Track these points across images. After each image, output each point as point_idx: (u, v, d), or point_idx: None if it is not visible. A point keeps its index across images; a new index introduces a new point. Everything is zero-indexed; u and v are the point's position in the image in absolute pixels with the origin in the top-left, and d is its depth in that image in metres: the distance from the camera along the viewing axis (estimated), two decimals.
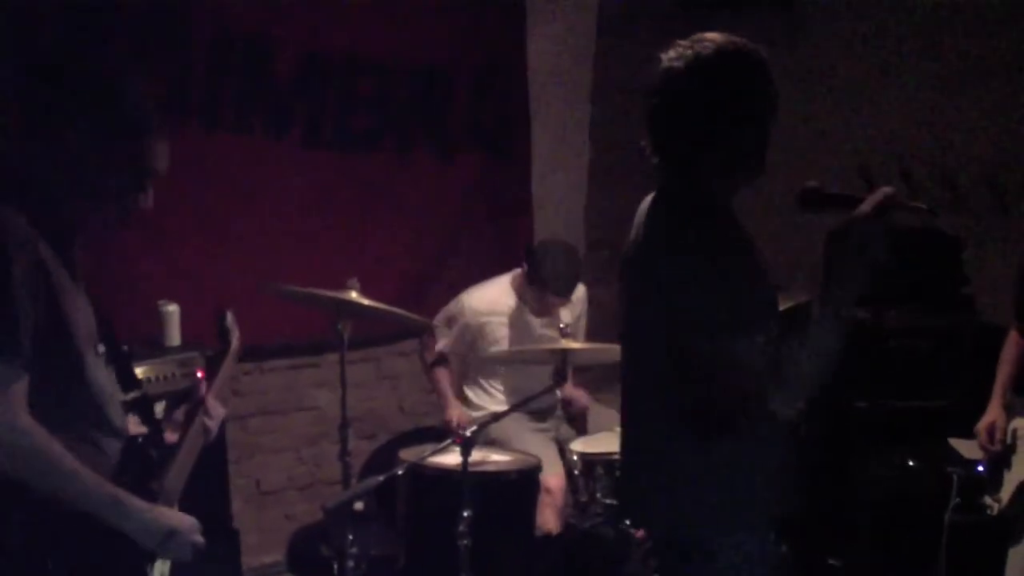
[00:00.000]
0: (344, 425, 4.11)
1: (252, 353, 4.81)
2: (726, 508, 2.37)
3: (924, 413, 4.52)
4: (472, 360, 4.85)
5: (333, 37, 5.12)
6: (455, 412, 4.68)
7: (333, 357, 4.25)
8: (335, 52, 5.15)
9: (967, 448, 4.05)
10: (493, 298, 4.78)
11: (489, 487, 3.96)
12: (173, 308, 4.43)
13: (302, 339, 5.01)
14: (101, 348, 2.35)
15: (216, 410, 2.63)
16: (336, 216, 5.17)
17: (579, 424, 4.91)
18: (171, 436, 2.60)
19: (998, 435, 3.90)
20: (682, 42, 2.36)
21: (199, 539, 2.39)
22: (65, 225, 2.29)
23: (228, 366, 2.81)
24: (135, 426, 2.50)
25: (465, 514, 3.71)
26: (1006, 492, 3.87)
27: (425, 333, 4.85)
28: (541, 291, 4.63)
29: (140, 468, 2.36)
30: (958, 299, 4.81)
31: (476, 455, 3.87)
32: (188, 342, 4.40)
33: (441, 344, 4.79)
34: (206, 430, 2.60)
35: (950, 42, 5.07)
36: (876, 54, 5.29)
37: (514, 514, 4.10)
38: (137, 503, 2.26)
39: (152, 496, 2.34)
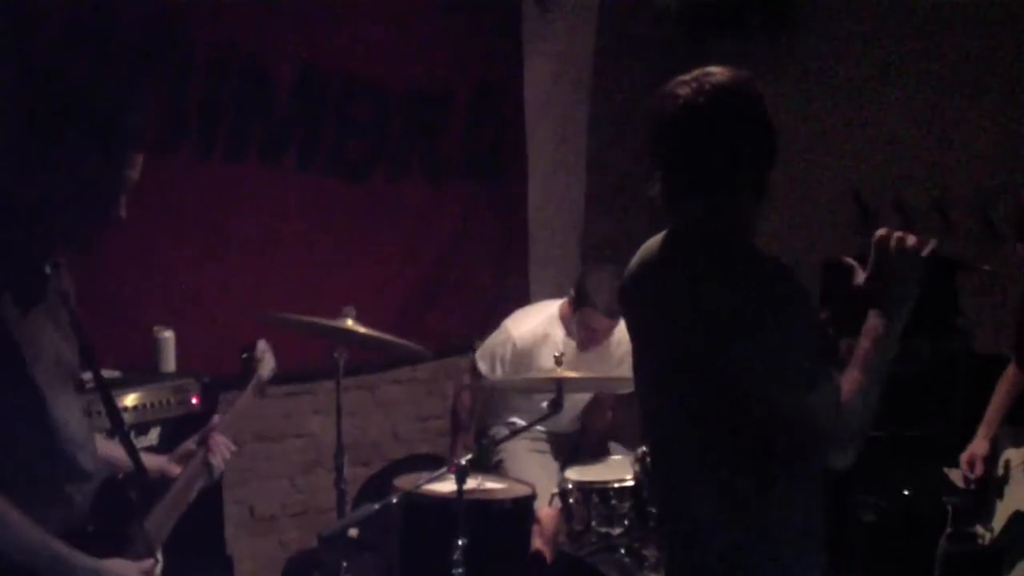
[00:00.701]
0: (339, 452, 4.08)
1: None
2: (785, 541, 2.33)
3: (918, 441, 4.56)
4: (502, 399, 4.81)
5: (329, 59, 5.11)
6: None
7: (328, 384, 4.24)
8: (331, 77, 5.15)
9: (961, 477, 4.06)
10: (540, 329, 4.72)
11: (484, 515, 3.94)
12: (168, 334, 4.42)
13: (297, 366, 4.75)
14: (87, 376, 2.28)
15: (223, 449, 2.55)
16: (332, 242, 5.15)
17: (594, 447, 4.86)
18: (174, 468, 2.55)
19: (978, 467, 3.93)
20: (690, 76, 2.33)
21: None
22: (35, 245, 2.22)
23: (247, 400, 2.73)
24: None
25: (460, 542, 3.69)
26: (998, 522, 3.88)
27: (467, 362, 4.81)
28: (588, 316, 4.53)
29: (116, 511, 2.26)
30: (952, 326, 4.82)
31: (471, 483, 3.84)
32: (183, 368, 4.38)
33: (486, 371, 4.68)
34: (209, 467, 2.53)
35: (950, 42, 5.08)
36: (876, 55, 5.30)
37: (509, 542, 4.08)
38: (81, 560, 2.15)
39: (125, 542, 2.24)
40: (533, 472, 4.49)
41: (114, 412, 2.39)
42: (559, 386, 4.08)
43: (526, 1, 5.90)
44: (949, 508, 4.09)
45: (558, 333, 4.71)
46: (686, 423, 2.35)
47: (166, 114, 4.61)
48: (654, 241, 2.41)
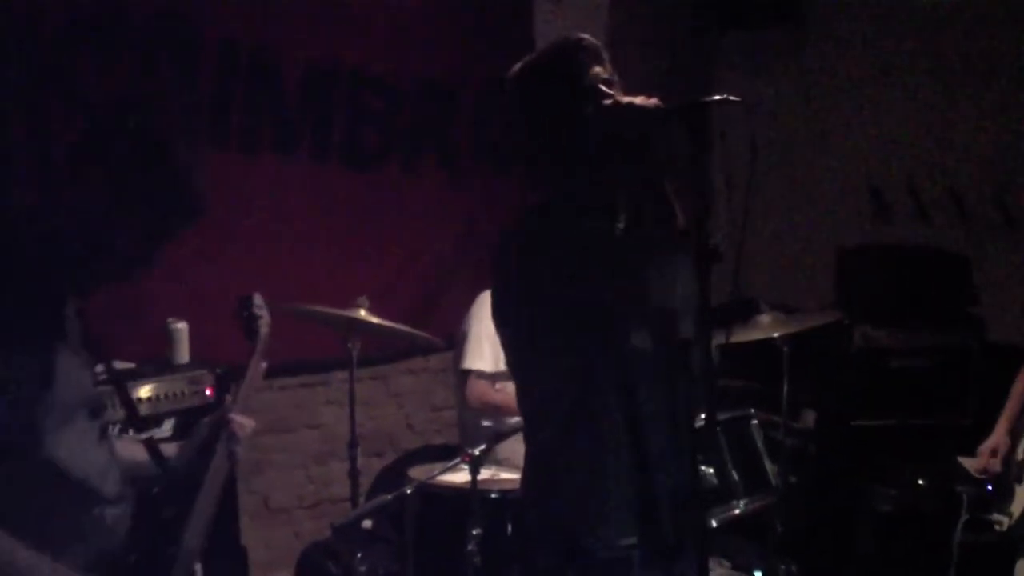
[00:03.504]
0: (353, 443, 4.10)
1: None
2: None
3: (932, 431, 4.56)
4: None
5: (340, 53, 5.13)
6: None
7: (342, 375, 4.25)
8: (342, 68, 5.16)
9: (975, 466, 4.06)
10: None
11: (498, 505, 3.91)
12: (182, 326, 4.43)
13: (311, 357, 4.98)
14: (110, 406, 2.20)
15: (243, 428, 2.47)
16: (345, 233, 5.17)
17: None
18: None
19: (1000, 460, 3.92)
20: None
21: None
22: (59, 287, 2.17)
23: (256, 366, 2.60)
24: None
25: (474, 533, 3.68)
26: (1017, 507, 3.87)
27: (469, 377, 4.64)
28: None
29: (153, 533, 2.20)
30: (964, 317, 4.81)
31: (485, 473, 3.86)
32: (197, 359, 4.40)
33: (490, 365, 4.56)
34: (231, 455, 2.45)
35: (950, 42, 5.09)
36: (876, 55, 5.31)
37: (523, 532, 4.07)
38: None
39: (168, 563, 2.19)
40: None
41: (134, 412, 2.37)
42: None
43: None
44: (964, 498, 4.08)
45: None
46: None
47: (178, 107, 4.63)
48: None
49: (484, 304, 4.59)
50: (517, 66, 2.54)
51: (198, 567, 2.29)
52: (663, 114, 2.26)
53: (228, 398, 2.52)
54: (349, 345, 4.07)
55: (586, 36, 2.51)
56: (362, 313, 4.05)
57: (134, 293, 4.30)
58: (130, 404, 2.39)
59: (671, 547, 2.45)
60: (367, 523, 4.07)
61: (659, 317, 2.44)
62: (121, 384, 2.39)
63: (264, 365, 2.68)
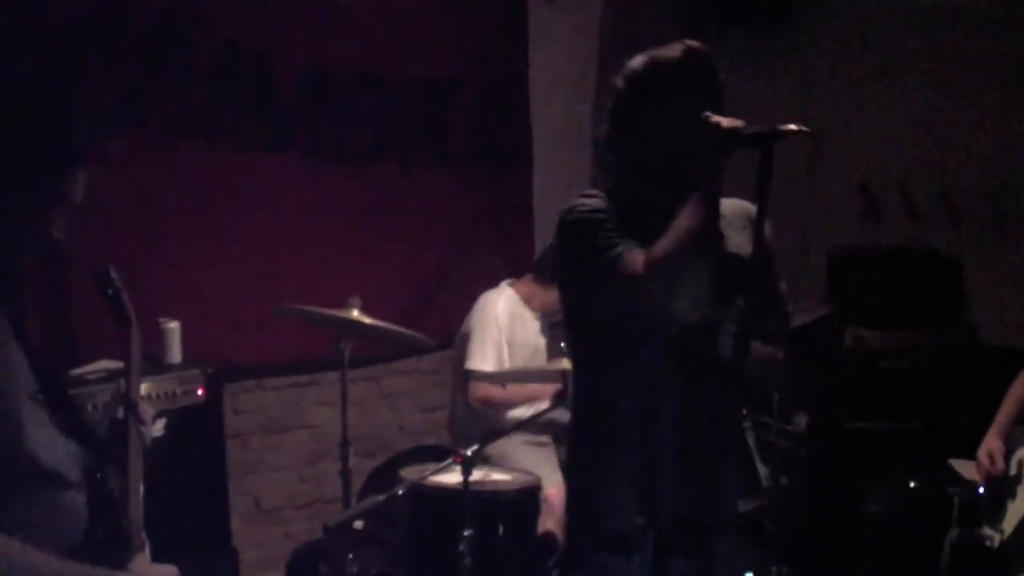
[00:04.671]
0: (345, 443, 4.09)
1: (253, 370, 4.96)
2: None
3: (924, 434, 4.53)
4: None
5: (335, 51, 5.12)
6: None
7: (334, 375, 4.24)
8: (337, 66, 5.15)
9: (968, 469, 4.05)
10: (510, 308, 4.77)
11: (490, 506, 3.94)
12: (174, 325, 4.43)
13: (303, 357, 5.00)
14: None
15: (148, 413, 2.46)
16: (338, 232, 5.16)
17: None
18: None
19: (998, 462, 3.91)
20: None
21: None
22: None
23: (137, 343, 2.54)
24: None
25: (466, 533, 3.69)
26: (1008, 523, 3.84)
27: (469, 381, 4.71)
28: (555, 292, 4.57)
29: (109, 508, 2.23)
30: (957, 319, 4.81)
31: (477, 474, 3.86)
32: (189, 359, 4.40)
33: (493, 365, 4.63)
34: (141, 436, 2.42)
35: (950, 42, 5.10)
36: (876, 55, 5.33)
37: (516, 532, 4.07)
38: (103, 573, 2.12)
39: (127, 536, 2.23)
40: (532, 461, 4.49)
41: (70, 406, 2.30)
42: (565, 377, 4.02)
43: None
44: (956, 500, 4.07)
45: (525, 312, 4.79)
46: None
47: (172, 103, 4.63)
48: None
49: (487, 305, 4.74)
50: (638, 63, 2.60)
51: (145, 538, 2.34)
52: (741, 139, 2.33)
53: (122, 383, 2.45)
54: (341, 345, 4.07)
55: (698, 46, 2.56)
56: (355, 313, 4.05)
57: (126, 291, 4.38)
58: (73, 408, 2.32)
59: (669, 543, 2.51)
60: (359, 524, 4.07)
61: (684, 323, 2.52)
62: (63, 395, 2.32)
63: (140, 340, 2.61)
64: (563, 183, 5.97)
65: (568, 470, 2.79)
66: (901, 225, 5.31)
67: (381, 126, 5.35)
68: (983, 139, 5.06)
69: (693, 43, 2.55)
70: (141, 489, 2.36)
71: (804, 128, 2.28)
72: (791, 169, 2.48)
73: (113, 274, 2.56)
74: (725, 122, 2.37)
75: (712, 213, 2.39)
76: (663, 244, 2.39)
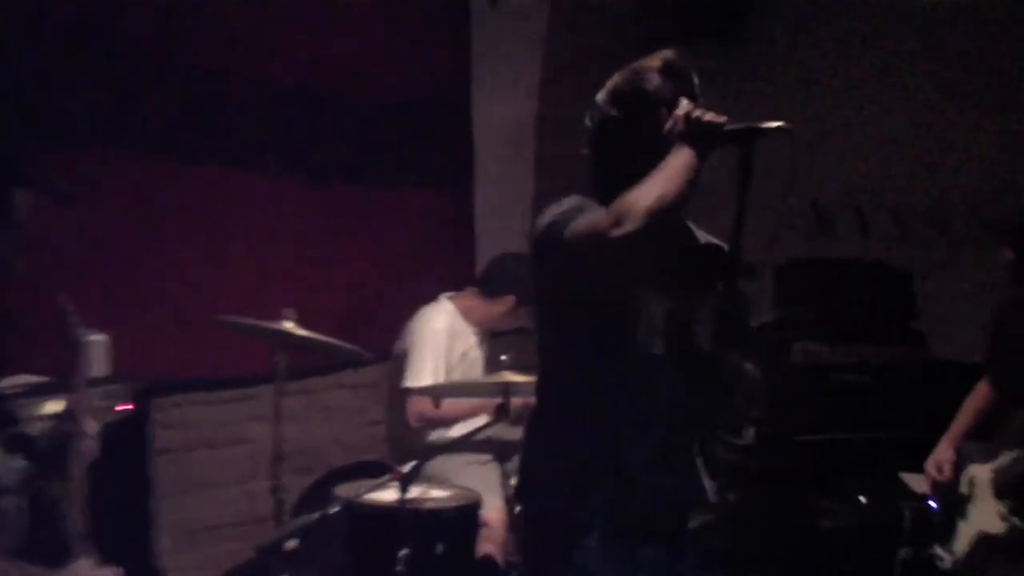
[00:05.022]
0: (278, 460, 4.04)
1: (184, 384, 4.85)
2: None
3: (874, 447, 4.53)
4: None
5: (282, 70, 5.13)
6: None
7: (269, 389, 4.18)
8: (284, 85, 5.15)
9: (919, 483, 4.02)
10: (447, 323, 4.73)
11: (428, 524, 3.88)
12: (99, 338, 4.26)
13: (236, 370, 4.91)
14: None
15: (91, 426, 2.60)
16: (275, 244, 5.10)
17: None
18: None
19: (946, 470, 3.85)
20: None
21: None
22: None
23: (84, 364, 2.74)
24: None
25: (404, 552, 3.62)
26: (960, 544, 3.77)
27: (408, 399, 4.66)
28: (500, 305, 4.68)
29: (49, 515, 2.33)
30: (907, 333, 4.82)
31: (414, 491, 3.80)
32: (118, 372, 4.26)
33: (430, 378, 4.58)
34: (86, 449, 2.59)
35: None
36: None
37: (455, 551, 4.00)
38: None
39: (68, 541, 2.31)
40: (474, 485, 4.40)
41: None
42: (506, 391, 4.00)
43: (476, 5, 5.95)
44: (907, 514, 4.05)
45: (464, 327, 4.77)
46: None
47: (105, 117, 4.56)
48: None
49: (425, 320, 4.72)
50: (621, 79, 2.64)
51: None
52: (723, 135, 2.38)
53: (70, 398, 2.67)
54: (276, 358, 4.03)
55: (666, 54, 2.61)
56: (289, 325, 4.02)
57: (53, 305, 4.21)
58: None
59: (640, 529, 2.54)
60: (293, 543, 3.96)
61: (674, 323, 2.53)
62: None
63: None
64: (505, 196, 6.08)
65: (532, 461, 2.74)
66: (851, 238, 5.37)
67: (322, 143, 5.35)
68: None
69: (670, 53, 2.60)
70: (83, 498, 2.50)
71: (784, 124, 2.32)
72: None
73: (67, 303, 2.73)
74: (707, 116, 2.39)
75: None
76: (650, 187, 2.33)
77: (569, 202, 2.55)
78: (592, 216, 2.38)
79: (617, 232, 2.28)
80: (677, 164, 2.36)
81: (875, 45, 5.45)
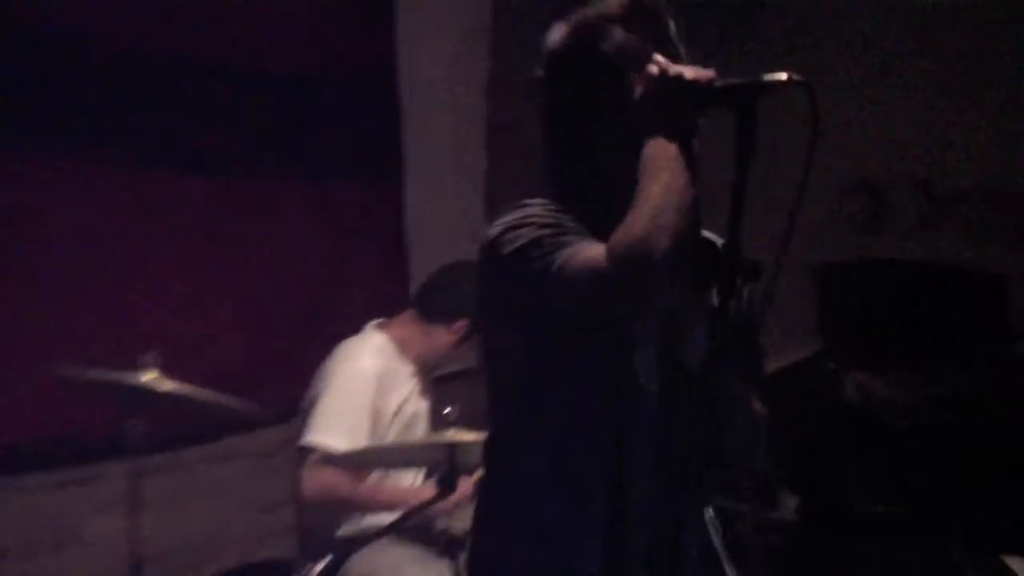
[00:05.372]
0: (138, 565, 3.35)
1: (5, 464, 3.99)
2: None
3: (964, 520, 3.90)
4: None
5: (158, 33, 4.45)
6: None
7: (120, 467, 3.45)
8: (160, 51, 4.47)
9: None
10: (380, 365, 3.92)
11: None
12: None
13: (75, 442, 4.11)
14: None
15: None
16: (139, 263, 4.33)
17: None
18: None
19: None
20: None
21: None
22: None
23: None
24: None
25: None
26: None
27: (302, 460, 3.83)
28: (447, 334, 3.95)
29: None
30: (1002, 353, 4.35)
31: None
32: None
33: (345, 442, 3.71)
34: None
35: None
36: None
37: None
38: None
39: None
40: None
41: None
42: (452, 455, 3.29)
43: None
44: None
45: (400, 366, 3.95)
46: None
47: None
48: None
49: (347, 357, 3.93)
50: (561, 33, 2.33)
51: None
52: (713, 94, 2.08)
53: None
54: (131, 423, 3.34)
55: None
56: (150, 376, 3.34)
57: None
58: None
59: None
60: None
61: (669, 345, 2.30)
62: None
63: None
64: (444, 199, 5.78)
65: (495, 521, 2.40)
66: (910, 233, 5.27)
67: (207, 126, 4.66)
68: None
69: None
70: None
71: (795, 75, 2.04)
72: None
73: None
74: (689, 72, 2.08)
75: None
76: (657, 214, 2.02)
77: (531, 211, 2.25)
78: (587, 255, 2.09)
79: (633, 288, 2.04)
80: (660, 160, 2.07)
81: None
